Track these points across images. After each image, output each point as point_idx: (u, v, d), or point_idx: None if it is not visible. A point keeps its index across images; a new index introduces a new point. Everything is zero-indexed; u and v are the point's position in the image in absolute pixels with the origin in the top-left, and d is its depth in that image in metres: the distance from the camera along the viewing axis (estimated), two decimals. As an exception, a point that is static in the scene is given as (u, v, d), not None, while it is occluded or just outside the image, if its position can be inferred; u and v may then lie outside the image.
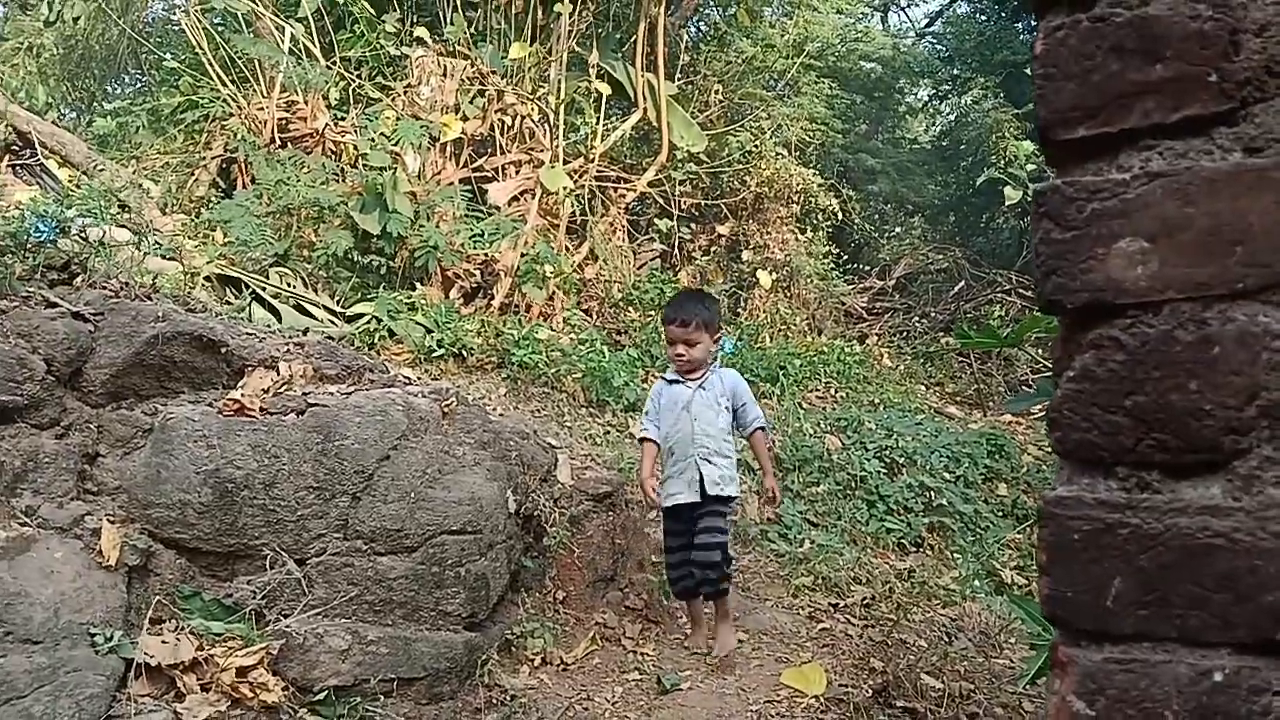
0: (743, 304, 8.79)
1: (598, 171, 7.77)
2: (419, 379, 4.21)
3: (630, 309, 7.28)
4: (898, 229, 13.34)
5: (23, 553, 2.53)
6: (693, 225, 9.14)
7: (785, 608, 4.15)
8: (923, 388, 8.05)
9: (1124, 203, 0.64)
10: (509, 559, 3.46)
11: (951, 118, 14.32)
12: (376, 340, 5.47)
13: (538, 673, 3.28)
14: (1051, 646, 0.73)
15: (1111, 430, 0.65)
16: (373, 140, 6.40)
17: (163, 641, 2.65)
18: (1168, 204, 0.64)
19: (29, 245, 3.20)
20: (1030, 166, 7.64)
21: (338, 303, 5.85)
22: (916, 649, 3.65)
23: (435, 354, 5.50)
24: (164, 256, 4.89)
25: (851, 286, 10.08)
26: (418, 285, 6.02)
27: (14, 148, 5.61)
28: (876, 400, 6.98)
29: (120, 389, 3.08)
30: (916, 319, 9.78)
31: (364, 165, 6.24)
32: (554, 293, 6.61)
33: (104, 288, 3.26)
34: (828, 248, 9.59)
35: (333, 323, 5.55)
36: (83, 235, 3.69)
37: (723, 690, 3.39)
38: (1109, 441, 0.65)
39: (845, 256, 10.37)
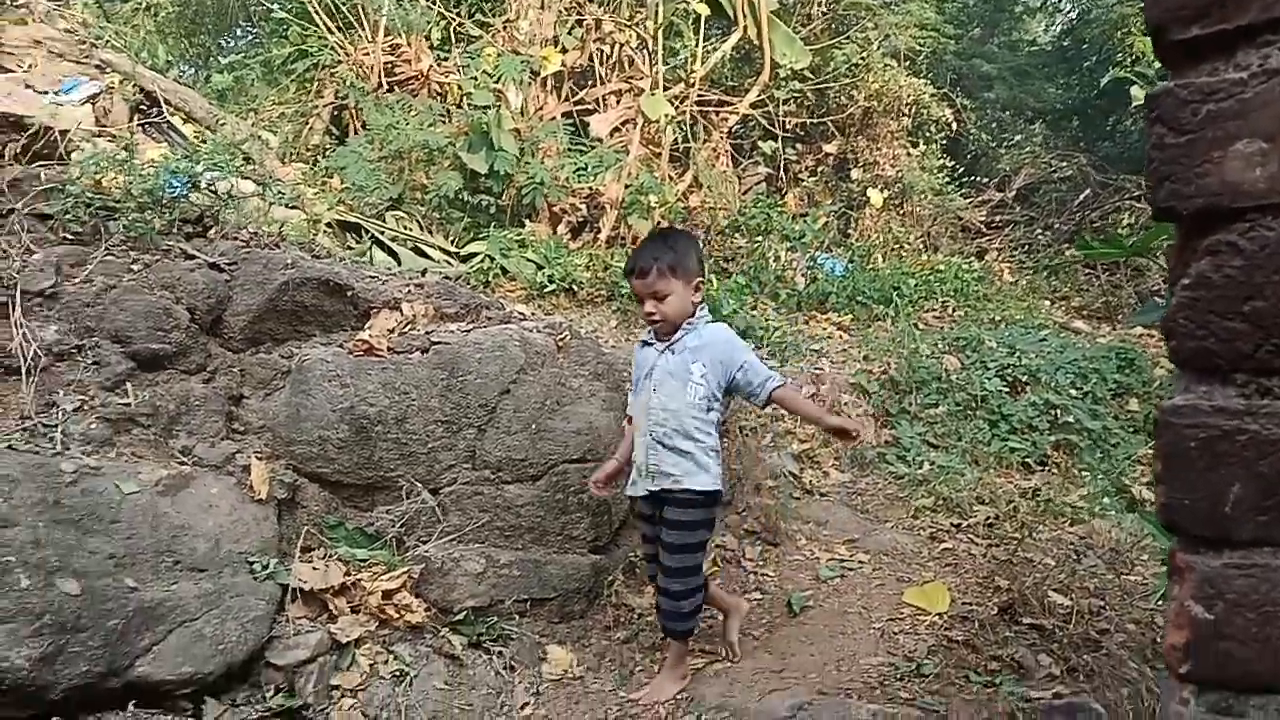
0: (853, 225, 8.59)
1: (699, 96, 7.66)
2: (532, 315, 4.31)
3: (736, 235, 7.22)
4: (1017, 137, 12.70)
5: (183, 489, 2.75)
6: (798, 146, 8.93)
7: (905, 529, 4.14)
8: (1047, 303, 7.75)
9: (1241, 103, 0.62)
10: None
11: (1073, 15, 13.44)
12: (490, 278, 5.60)
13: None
14: (1170, 554, 0.73)
15: (1229, 337, 0.64)
16: (475, 79, 6.47)
17: (313, 568, 2.85)
18: (1291, 101, 0.62)
19: (165, 201, 3.39)
20: (1159, 64, 7.13)
21: (452, 243, 6.00)
22: (1043, 567, 3.60)
23: (546, 290, 5.60)
24: (287, 206, 5.10)
25: (968, 200, 9.70)
26: (526, 222, 6.11)
27: (142, 107, 5.89)
28: (997, 318, 6.76)
29: (257, 334, 3.28)
30: (1039, 231, 9.37)
31: (469, 105, 6.32)
32: (659, 223, 6.61)
33: (235, 238, 3.45)
34: (942, 161, 9.23)
35: (448, 263, 5.71)
36: (212, 189, 3.89)
37: (845, 609, 3.43)
38: (1226, 348, 0.64)
39: (961, 169, 9.97)
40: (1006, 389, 5.22)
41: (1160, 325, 0.73)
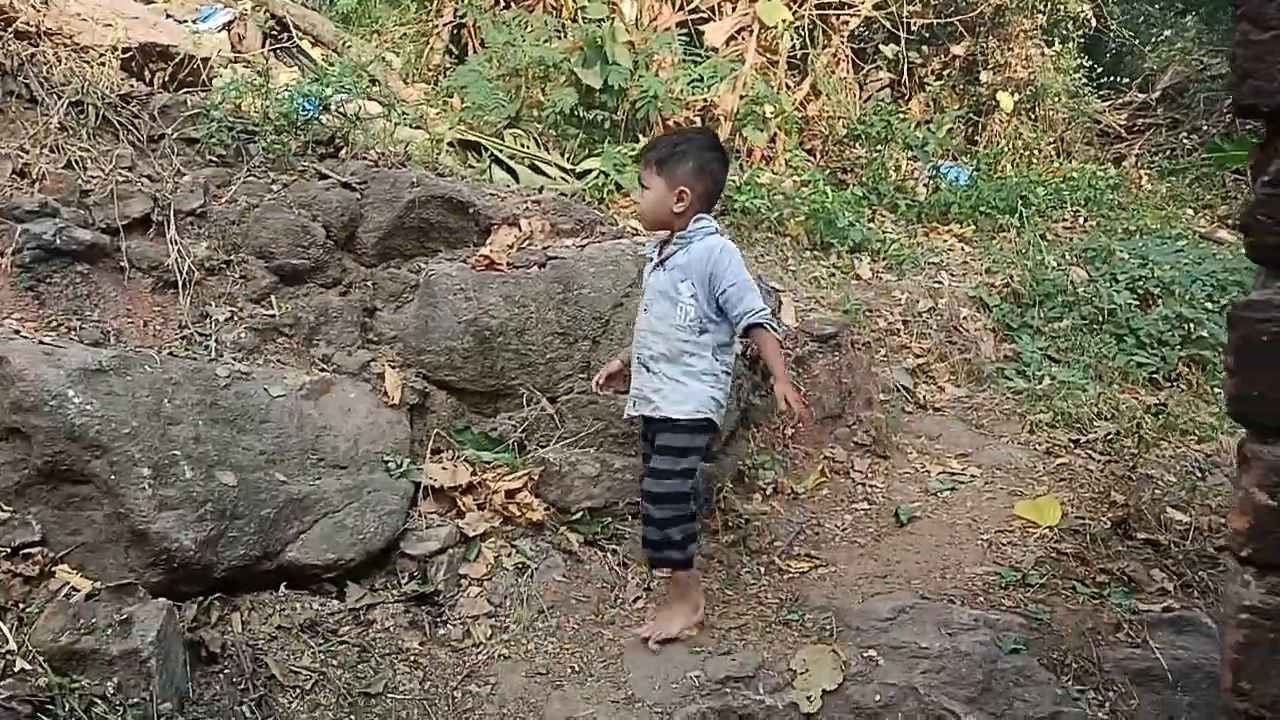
0: (980, 131, 8.24)
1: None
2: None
3: (856, 145, 7.03)
4: (1166, 33, 11.79)
5: (324, 394, 2.97)
6: (924, 48, 8.54)
7: (1020, 444, 4.09)
8: (1190, 211, 7.31)
9: (1322, -1, 0.62)
10: (737, 396, 3.63)
11: (1237, -108, 12.22)
12: (605, 194, 5.66)
13: (769, 500, 3.47)
14: (1238, 444, 0.76)
15: (1303, 232, 0.66)
16: (590, -9, 6.43)
17: (443, 468, 3.06)
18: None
19: (299, 123, 3.57)
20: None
21: (567, 159, 6.07)
22: (1163, 483, 3.53)
23: (661, 203, 5.63)
24: (411, 126, 5.26)
25: (1108, 103, 9.14)
26: (641, 137, 6.12)
27: (273, 32, 6.11)
28: (1131, 228, 6.44)
29: (387, 249, 3.45)
30: (1185, 135, 8.77)
31: (583, 18, 6.30)
32: (775, 134, 6.50)
33: (364, 158, 3.61)
34: (1079, 61, 8.68)
35: (564, 179, 5.79)
36: (341, 111, 4.06)
37: (953, 521, 3.45)
38: (1301, 244, 0.66)
39: (1100, 70, 9.34)
40: (1136, 302, 5.02)
41: (1239, 220, 0.75)
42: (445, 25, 7.44)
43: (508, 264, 3.39)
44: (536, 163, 5.75)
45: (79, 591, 2.18)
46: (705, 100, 6.45)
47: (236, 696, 2.21)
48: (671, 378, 2.57)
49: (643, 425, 2.74)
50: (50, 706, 1.95)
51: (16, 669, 1.98)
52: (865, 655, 2.53)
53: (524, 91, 6.16)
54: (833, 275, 5.12)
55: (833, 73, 7.54)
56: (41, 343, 2.49)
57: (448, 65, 7.15)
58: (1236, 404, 0.74)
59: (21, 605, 2.14)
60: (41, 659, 2.02)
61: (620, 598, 2.89)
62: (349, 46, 6.75)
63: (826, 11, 7.64)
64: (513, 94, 6.13)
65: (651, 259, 2.73)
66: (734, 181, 5.75)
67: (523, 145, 5.88)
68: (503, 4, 6.98)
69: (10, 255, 2.66)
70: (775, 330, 2.60)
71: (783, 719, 2.34)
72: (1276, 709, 0.81)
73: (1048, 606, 2.70)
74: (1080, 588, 2.79)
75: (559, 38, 6.47)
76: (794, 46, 7.28)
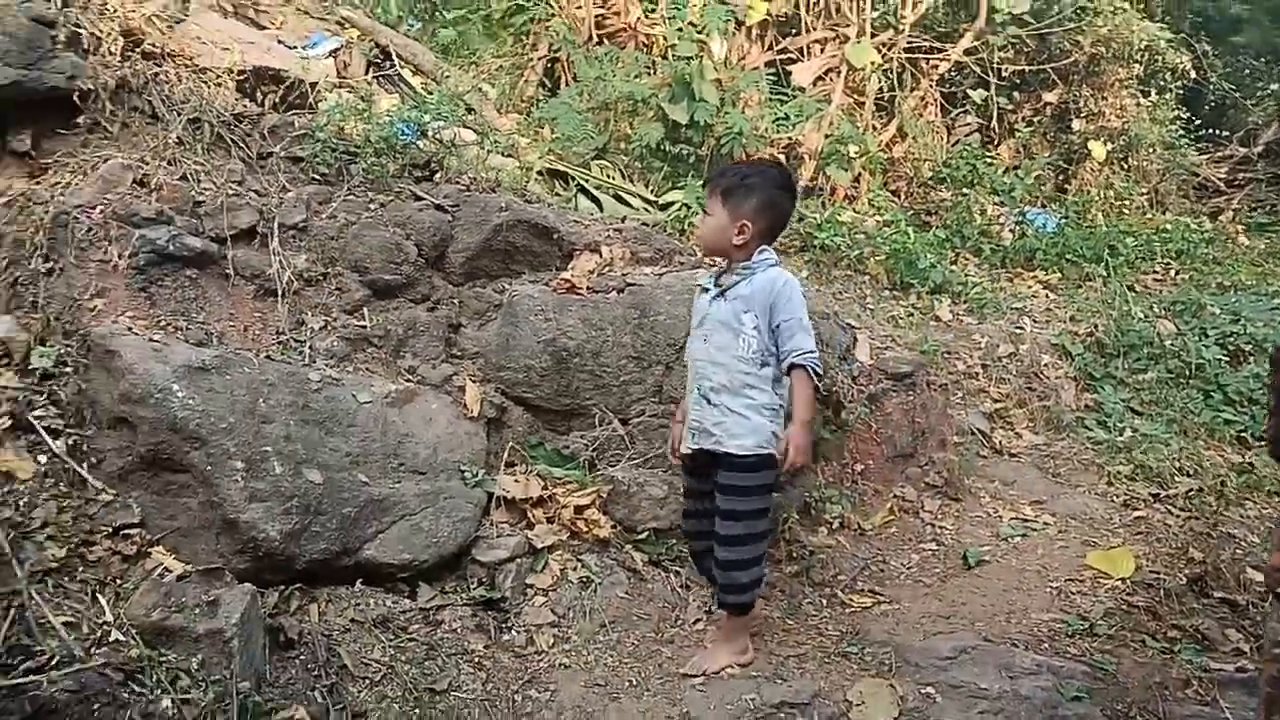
0: (1070, 179, 8.12)
1: (908, 43, 7.43)
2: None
3: (941, 188, 7.01)
4: (1274, 86, 11.46)
5: (408, 403, 3.10)
6: (1015, 94, 8.49)
7: (1098, 495, 4.02)
8: (1289, 269, 7.08)
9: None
10: (809, 429, 3.65)
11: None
12: (686, 226, 5.76)
13: (835, 534, 3.48)
14: None
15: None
16: (680, 29, 6.58)
17: (515, 480, 3.15)
18: None
19: (397, 147, 3.75)
20: None
21: (651, 191, 6.20)
22: (1245, 543, 3.43)
23: (741, 238, 5.70)
24: (503, 154, 5.44)
25: (1205, 156, 8.92)
26: (725, 172, 6.22)
27: (375, 60, 6.40)
28: (1225, 283, 6.26)
29: (474, 270, 3.59)
30: (1287, 190, 8.51)
31: (673, 55, 6.45)
32: (859, 173, 6.53)
33: (457, 183, 3.76)
34: (1176, 112, 8.52)
35: (647, 210, 5.91)
36: (438, 137, 4.24)
37: (1023, 567, 3.41)
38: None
39: (1199, 122, 9.15)
40: (1226, 358, 4.89)
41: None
42: (540, 59, 7.68)
43: (587, 288, 3.49)
44: (621, 193, 5.88)
45: (171, 572, 2.32)
46: (790, 138, 6.52)
47: (310, 682, 2.31)
48: (734, 410, 2.54)
49: (691, 461, 2.69)
50: (140, 676, 2.08)
51: (111, 639, 2.12)
52: (923, 692, 2.52)
53: (612, 125, 6.32)
54: (911, 315, 5.11)
55: (920, 115, 7.54)
56: (151, 340, 2.67)
57: (540, 97, 7.37)
58: (1275, 445, 0.78)
59: (119, 581, 2.30)
60: (134, 632, 2.16)
61: (680, 618, 2.93)
62: (447, 76, 7.01)
63: (916, 55, 7.66)
64: (601, 127, 6.29)
65: (707, 288, 2.70)
66: (815, 219, 5.79)
67: (608, 176, 6.02)
68: (596, 40, 7.18)
69: (127, 258, 2.85)
70: (816, 376, 2.55)
71: (837, 751, 2.34)
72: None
73: (1115, 658, 2.65)
74: (1150, 641, 2.74)
75: (648, 74, 6.62)
76: (882, 89, 7.31)
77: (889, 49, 7.26)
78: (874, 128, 7.12)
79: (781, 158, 6.58)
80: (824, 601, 3.09)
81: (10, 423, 2.49)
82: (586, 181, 5.75)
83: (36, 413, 2.55)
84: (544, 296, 3.43)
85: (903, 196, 7.09)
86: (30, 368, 2.65)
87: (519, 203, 3.74)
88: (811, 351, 2.51)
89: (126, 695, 2.02)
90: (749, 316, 2.55)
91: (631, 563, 3.03)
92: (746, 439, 2.53)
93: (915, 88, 7.60)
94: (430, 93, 5.88)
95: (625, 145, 6.26)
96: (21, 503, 2.33)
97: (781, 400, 2.60)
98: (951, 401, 4.49)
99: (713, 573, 2.69)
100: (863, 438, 3.92)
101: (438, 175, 3.80)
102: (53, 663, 2.00)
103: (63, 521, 2.37)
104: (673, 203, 6.06)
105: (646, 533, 3.13)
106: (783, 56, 7.28)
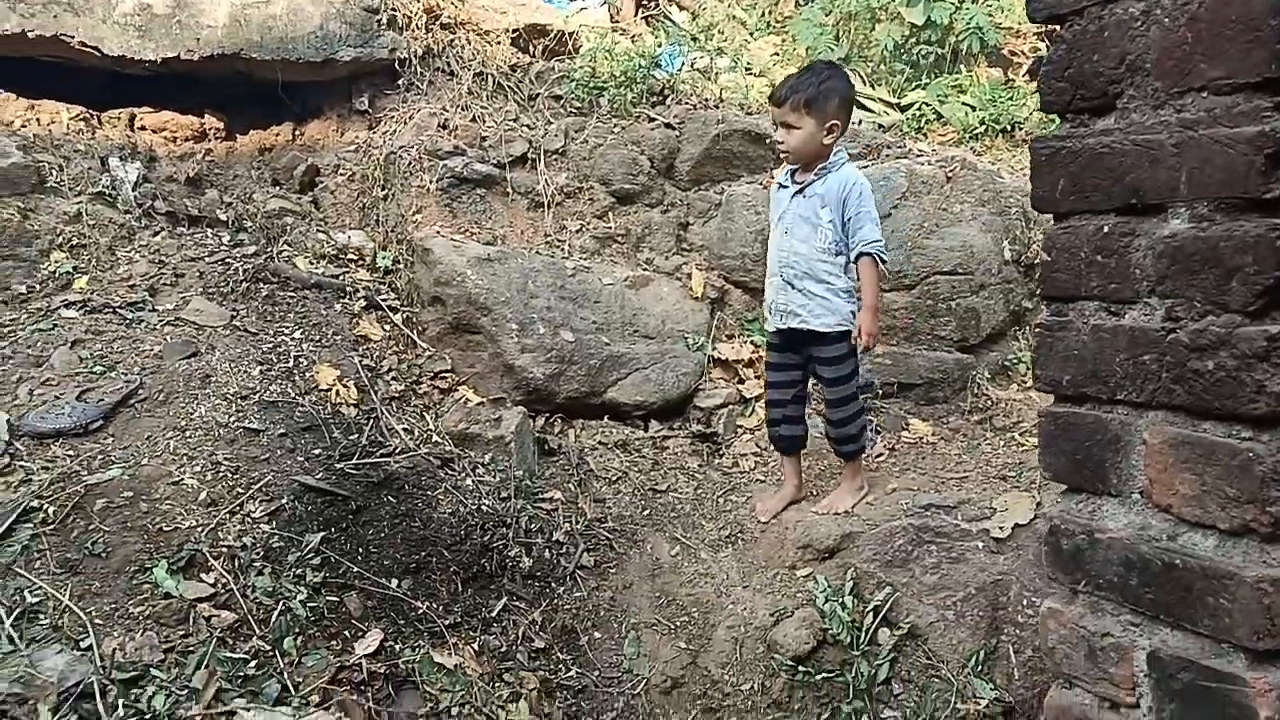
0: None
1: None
2: (940, 151, 4.76)
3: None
4: None
5: (644, 286, 3.87)
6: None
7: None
8: None
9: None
10: (1006, 299, 4.00)
11: None
12: (923, 124, 6.04)
13: (1026, 393, 3.82)
14: None
15: None
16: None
17: (730, 346, 3.84)
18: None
19: (636, 79, 4.48)
20: None
21: (893, 94, 6.50)
22: None
23: (978, 131, 5.89)
24: (745, 73, 6.03)
25: None
26: (963, 68, 6.37)
27: (644, 2, 7.17)
28: None
29: (699, 176, 4.27)
30: None
31: (913, -41, 6.61)
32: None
33: (686, 103, 4.44)
34: None
35: (886, 113, 6.24)
36: (692, 65, 4.93)
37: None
38: None
39: None
40: None
41: None
42: (789, -22, 8.06)
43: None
44: (860, 98, 6.25)
45: (471, 401, 3.28)
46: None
47: (564, 477, 3.19)
48: (817, 295, 2.89)
49: (777, 338, 3.07)
50: (451, 464, 3.04)
51: (432, 440, 3.11)
52: (1063, 504, 2.91)
53: (853, 34, 6.66)
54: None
55: None
56: (453, 239, 3.64)
57: (796, 17, 7.80)
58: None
59: (437, 406, 3.29)
60: (447, 436, 3.13)
61: (866, 453, 3.48)
62: (704, 7, 7.65)
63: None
64: (844, 37, 6.66)
65: (785, 185, 3.02)
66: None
67: (848, 84, 6.40)
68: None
69: (435, 183, 3.84)
70: (883, 262, 2.91)
71: (974, 541, 2.83)
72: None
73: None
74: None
75: (888, -19, 6.84)
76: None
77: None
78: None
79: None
80: (1001, 444, 3.50)
81: (365, 303, 3.57)
82: (824, 91, 6.18)
83: (381, 296, 3.62)
84: (755, 194, 4.04)
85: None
86: (376, 266, 3.73)
87: (736, 114, 4.35)
88: (878, 240, 2.86)
89: (443, 474, 2.99)
90: (826, 212, 2.88)
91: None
92: (829, 318, 2.90)
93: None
94: (693, 24, 6.56)
95: (866, 52, 6.59)
96: (375, 355, 3.38)
97: (854, 283, 2.95)
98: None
99: (787, 440, 3.11)
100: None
101: (669, 99, 4.50)
102: (396, 451, 3.00)
103: (400, 368, 3.40)
104: (913, 103, 6.34)
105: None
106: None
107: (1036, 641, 2.62)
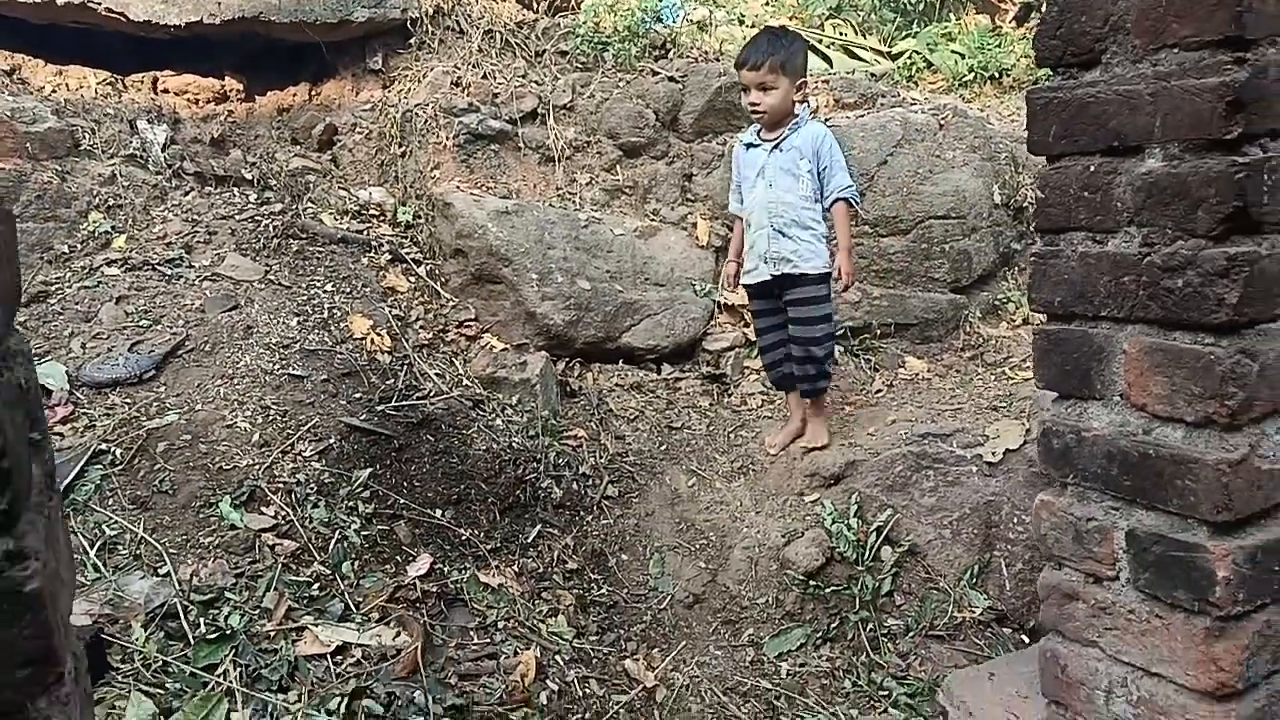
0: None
1: None
2: (932, 100, 4.93)
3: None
4: None
5: (653, 236, 4.05)
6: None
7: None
8: None
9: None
10: (996, 241, 4.21)
11: None
12: (914, 72, 6.19)
13: (1015, 330, 4.05)
14: None
15: None
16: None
17: (735, 291, 4.03)
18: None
19: (639, 33, 4.62)
20: None
21: (884, 42, 6.63)
22: None
23: (967, 79, 6.04)
24: (742, 25, 6.14)
25: None
26: (952, 16, 6.50)
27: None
28: None
29: (702, 128, 4.43)
30: None
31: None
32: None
33: (688, 56, 4.59)
34: None
35: (878, 61, 6.38)
36: (689, 18, 5.07)
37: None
38: None
39: None
40: None
41: None
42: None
43: (793, 133, 4.22)
44: (851, 48, 6.39)
45: (496, 348, 3.47)
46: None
47: (586, 416, 3.40)
48: (804, 240, 3.09)
49: (762, 289, 3.21)
50: (481, 405, 3.25)
51: (462, 384, 3.31)
52: (1052, 431, 3.14)
53: (846, -16, 6.78)
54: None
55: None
56: (471, 193, 3.80)
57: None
58: None
59: (465, 353, 3.48)
60: (476, 380, 3.33)
61: (867, 389, 3.71)
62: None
63: None
64: (836, -12, 6.78)
65: (755, 144, 3.20)
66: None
67: (840, 33, 6.54)
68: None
69: (451, 139, 4.00)
70: (857, 206, 3.16)
71: (969, 465, 3.06)
72: None
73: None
74: None
75: (879, -70, 6.93)
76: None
77: None
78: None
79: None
80: (992, 378, 3.72)
81: (390, 257, 3.74)
82: (820, 41, 6.32)
83: (405, 250, 3.79)
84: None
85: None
86: (397, 220, 3.89)
87: (736, 67, 4.50)
88: (850, 186, 3.11)
89: (474, 414, 3.19)
90: (804, 162, 3.09)
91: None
92: (816, 260, 3.11)
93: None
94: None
95: (856, 1, 6.71)
96: (403, 305, 3.57)
97: (827, 228, 3.17)
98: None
99: (793, 378, 3.24)
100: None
101: (671, 52, 4.64)
102: (431, 394, 3.20)
103: (428, 318, 3.59)
104: (904, 52, 6.48)
105: (843, 330, 3.90)
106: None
107: (1027, 555, 2.87)
